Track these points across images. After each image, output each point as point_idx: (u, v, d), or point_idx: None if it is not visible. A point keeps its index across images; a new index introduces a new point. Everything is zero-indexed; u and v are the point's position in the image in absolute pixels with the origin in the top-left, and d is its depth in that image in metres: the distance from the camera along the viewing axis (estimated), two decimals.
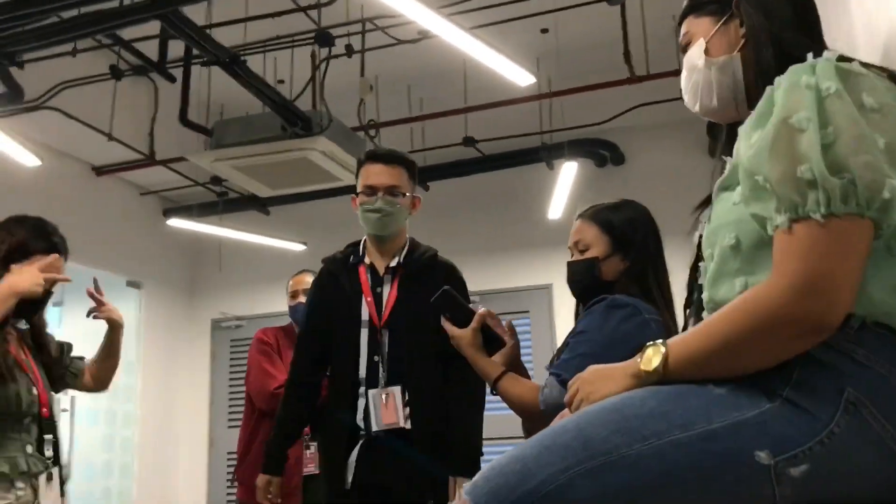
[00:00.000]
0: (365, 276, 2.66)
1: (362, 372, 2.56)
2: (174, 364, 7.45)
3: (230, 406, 7.23)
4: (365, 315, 2.60)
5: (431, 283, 2.52)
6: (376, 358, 2.55)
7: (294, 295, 3.63)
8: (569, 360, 1.92)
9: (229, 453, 6.81)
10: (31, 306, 2.50)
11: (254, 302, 7.29)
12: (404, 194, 2.69)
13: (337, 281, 2.70)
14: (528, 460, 1.22)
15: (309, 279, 3.57)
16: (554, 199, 5.83)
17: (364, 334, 2.59)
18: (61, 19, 4.06)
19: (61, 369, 2.77)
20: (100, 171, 6.76)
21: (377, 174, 2.69)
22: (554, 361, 2.06)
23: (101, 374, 2.92)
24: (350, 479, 2.49)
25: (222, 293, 7.51)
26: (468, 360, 2.14)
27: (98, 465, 7.03)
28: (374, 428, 2.50)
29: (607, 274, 2.08)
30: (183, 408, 7.44)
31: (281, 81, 5.26)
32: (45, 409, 2.51)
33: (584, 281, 2.10)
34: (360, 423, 2.52)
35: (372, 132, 5.36)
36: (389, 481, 2.47)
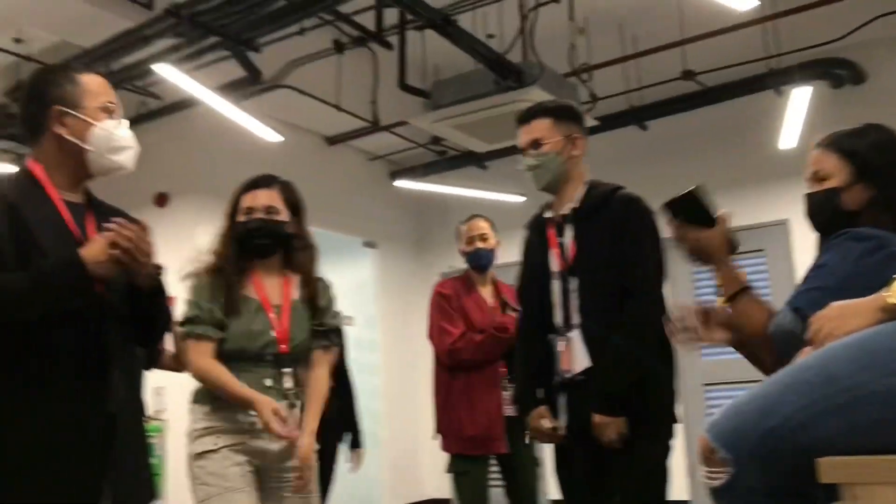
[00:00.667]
0: (551, 229, 2.66)
1: (558, 320, 2.56)
2: (409, 317, 7.89)
3: None
4: (554, 266, 2.60)
5: (607, 221, 2.49)
6: (564, 305, 2.55)
7: (469, 241, 3.54)
8: (804, 292, 1.81)
9: None
10: None
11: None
12: (545, 143, 2.62)
13: (532, 237, 2.72)
14: (769, 398, 1.20)
15: (482, 224, 3.56)
16: (785, 128, 5.45)
17: (556, 285, 2.58)
18: (289, 2, 4.37)
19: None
20: (332, 140, 7.25)
21: (519, 135, 2.69)
22: None
23: None
24: (563, 423, 2.50)
25: (449, 247, 7.78)
26: (713, 264, 2.05)
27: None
28: (563, 374, 2.51)
29: (851, 204, 1.91)
30: (422, 357, 7.86)
31: (491, 36, 5.31)
32: (282, 346, 2.54)
33: (824, 213, 1.94)
34: (558, 369, 2.53)
35: (584, 76, 5.29)
36: (585, 424, 2.46)
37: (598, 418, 2.38)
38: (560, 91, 4.88)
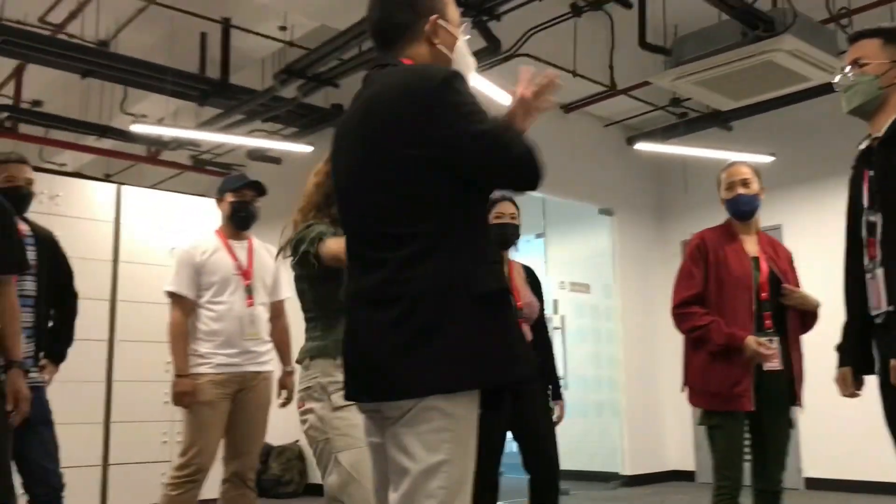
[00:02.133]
0: (864, 161, 2.48)
1: (865, 257, 2.45)
2: (648, 285, 7.75)
3: None
4: (864, 199, 2.43)
5: None
6: (868, 241, 2.41)
7: (730, 187, 3.31)
8: None
9: None
10: None
11: (722, 220, 7.18)
12: (866, 63, 2.42)
13: (854, 170, 2.55)
14: None
15: (743, 169, 3.32)
16: None
17: (863, 220, 2.42)
18: None
19: None
20: (567, 108, 7.26)
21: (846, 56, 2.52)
22: None
23: None
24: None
25: (690, 214, 7.54)
26: None
27: (589, 380, 7.69)
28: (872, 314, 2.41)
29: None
30: (662, 326, 7.70)
31: None
32: None
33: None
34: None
35: (844, 22, 4.87)
36: (884, 370, 2.31)
37: (893, 363, 2.24)
38: (816, 39, 4.54)
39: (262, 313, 3.54)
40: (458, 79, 1.63)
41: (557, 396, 3.47)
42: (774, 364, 3.06)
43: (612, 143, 7.76)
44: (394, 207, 1.62)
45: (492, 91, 5.28)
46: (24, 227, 3.12)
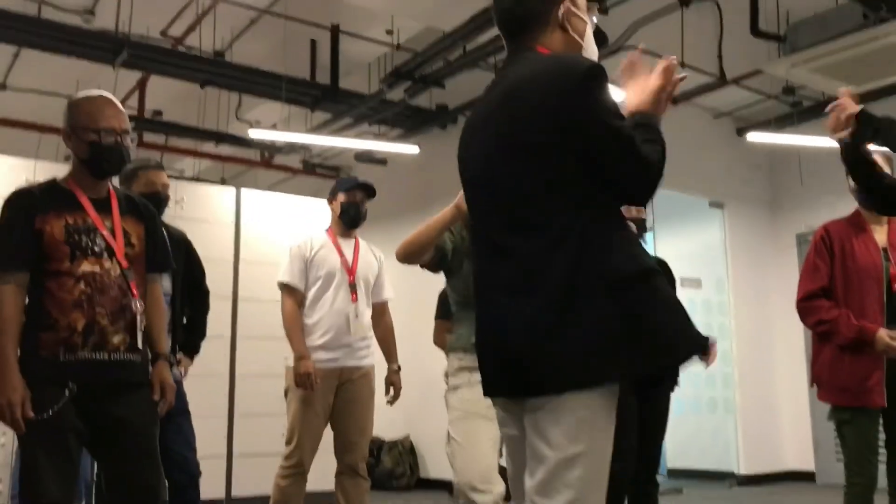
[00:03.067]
0: None
1: None
2: (762, 280, 7.52)
3: None
4: None
5: None
6: None
7: None
8: None
9: None
10: None
11: (842, 212, 6.89)
12: None
13: None
14: None
15: (874, 158, 3.15)
16: None
17: None
18: None
19: None
20: (675, 99, 7.09)
21: None
22: None
23: None
24: None
25: (806, 206, 7.27)
26: None
27: (702, 376, 7.52)
28: None
29: None
30: (777, 322, 7.47)
31: None
32: None
33: None
34: None
35: None
36: None
37: None
38: None
39: (365, 310, 3.64)
40: (601, 72, 1.63)
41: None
42: None
43: (723, 135, 7.56)
44: (528, 195, 1.63)
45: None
46: None
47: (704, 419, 7.51)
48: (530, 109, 1.63)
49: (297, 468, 3.44)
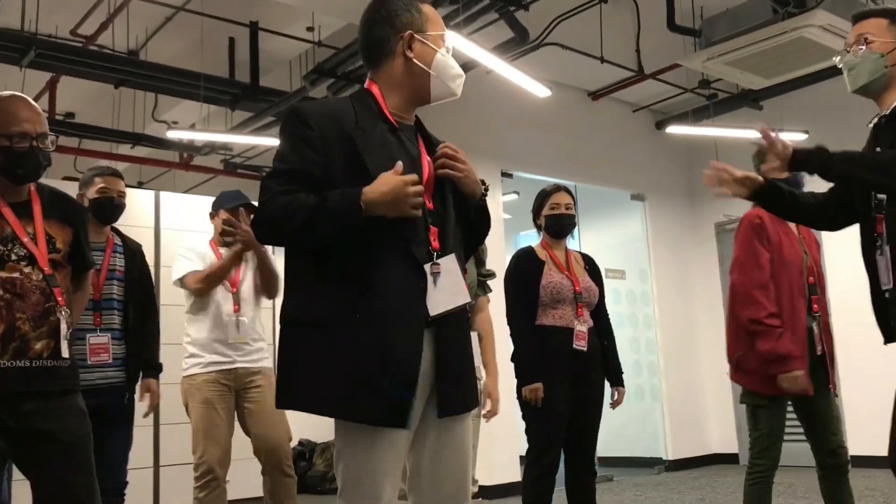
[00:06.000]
0: (873, 139, 2.46)
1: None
2: (684, 269, 7.72)
3: None
4: None
5: None
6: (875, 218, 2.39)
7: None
8: None
9: None
10: None
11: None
12: (872, 41, 2.37)
13: (865, 147, 2.53)
14: None
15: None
16: None
17: (872, 199, 2.40)
18: None
19: None
20: (595, 95, 7.23)
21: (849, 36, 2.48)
22: None
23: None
24: None
25: (723, 195, 7.48)
26: None
27: (628, 365, 7.66)
28: None
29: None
30: (699, 309, 7.69)
31: None
32: None
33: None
34: None
35: None
36: None
37: None
38: (849, 12, 4.47)
39: (250, 320, 3.56)
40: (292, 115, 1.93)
41: (619, 383, 3.43)
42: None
43: (642, 128, 7.73)
44: None
45: (522, 81, 5.28)
46: (114, 238, 3.33)
47: (632, 407, 7.64)
48: None
49: (208, 476, 3.32)
